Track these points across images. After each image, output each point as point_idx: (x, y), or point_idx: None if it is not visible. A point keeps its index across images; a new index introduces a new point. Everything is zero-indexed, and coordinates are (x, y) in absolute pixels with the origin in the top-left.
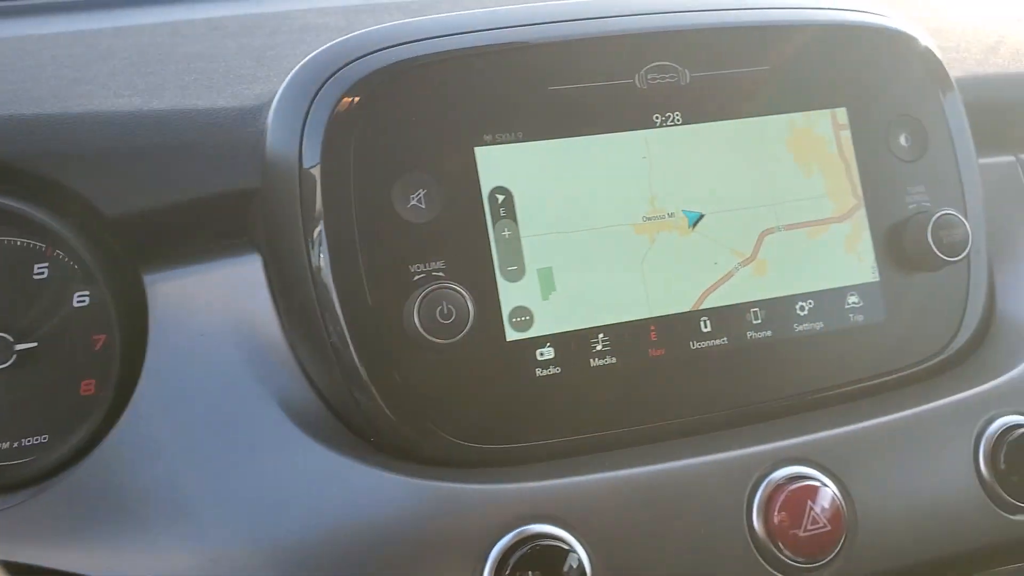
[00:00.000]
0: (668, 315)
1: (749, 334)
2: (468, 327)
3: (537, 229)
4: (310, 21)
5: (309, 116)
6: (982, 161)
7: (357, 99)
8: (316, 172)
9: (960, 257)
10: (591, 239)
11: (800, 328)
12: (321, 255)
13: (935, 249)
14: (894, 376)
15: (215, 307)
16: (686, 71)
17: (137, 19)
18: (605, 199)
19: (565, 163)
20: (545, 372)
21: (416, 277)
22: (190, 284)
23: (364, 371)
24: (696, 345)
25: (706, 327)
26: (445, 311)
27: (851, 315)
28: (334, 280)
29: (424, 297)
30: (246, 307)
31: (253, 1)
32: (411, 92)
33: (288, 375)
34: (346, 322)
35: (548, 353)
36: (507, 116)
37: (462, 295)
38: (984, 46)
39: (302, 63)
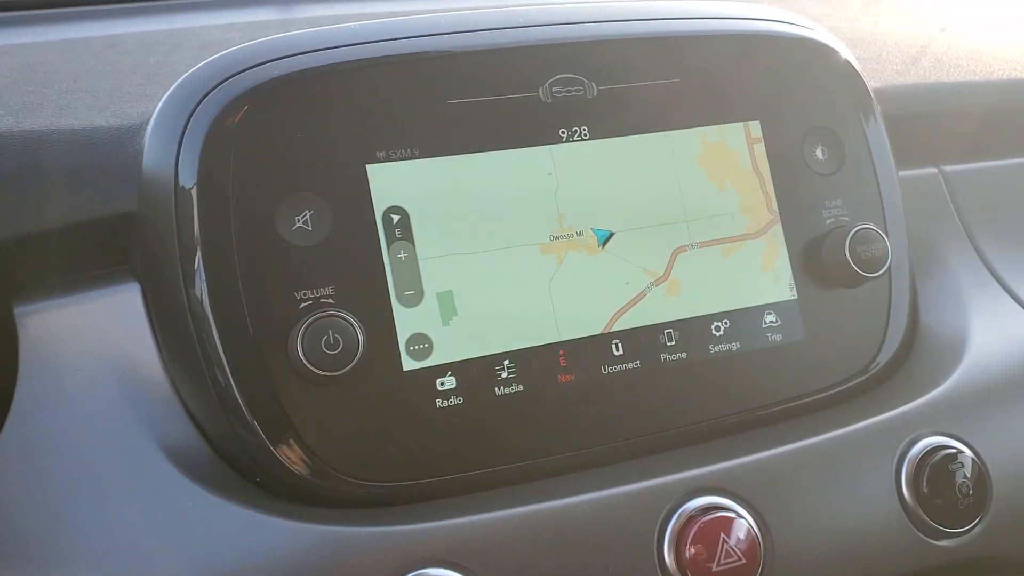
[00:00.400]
0: (578, 339)
1: (663, 357)
2: (358, 357)
3: (436, 251)
4: (213, 38)
5: (185, 135)
6: (904, 173)
7: (236, 116)
8: (193, 194)
9: (880, 273)
10: (495, 260)
11: (716, 349)
12: (199, 283)
13: (853, 265)
14: (814, 398)
15: (92, 340)
16: (592, 84)
17: (31, 37)
18: (509, 218)
19: (466, 180)
20: (446, 403)
21: (303, 304)
22: (65, 316)
23: (246, 407)
24: (607, 370)
25: (618, 350)
26: (331, 340)
27: (769, 335)
28: (212, 309)
29: (308, 326)
30: (124, 340)
31: (162, 18)
32: (296, 107)
33: (169, 412)
34: (226, 354)
35: (449, 382)
36: (402, 131)
37: (350, 323)
38: (905, 56)
39: (180, 79)
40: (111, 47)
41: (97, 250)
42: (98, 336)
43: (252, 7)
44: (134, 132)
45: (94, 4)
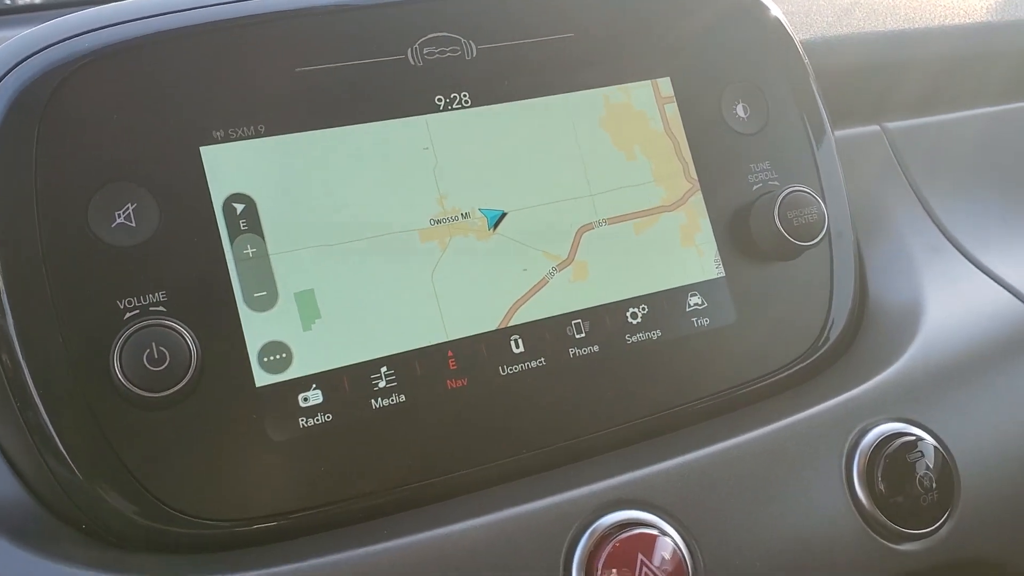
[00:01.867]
0: (469, 337)
1: (571, 351)
2: (191, 373)
3: (292, 244)
4: None
5: None
6: (844, 132)
7: (34, 102)
8: None
9: (816, 241)
10: (365, 251)
11: (633, 339)
12: (0, 298)
13: (785, 233)
14: (751, 388)
15: None
16: (471, 43)
17: None
18: (380, 202)
19: (324, 160)
20: (312, 421)
21: (128, 315)
22: None
23: (61, 440)
24: (506, 371)
25: (517, 347)
26: (155, 355)
27: (694, 319)
28: (17, 330)
29: (127, 339)
30: None
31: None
32: (108, 87)
33: None
34: (35, 382)
35: (314, 397)
36: (242, 106)
37: (179, 333)
38: (837, 8)
39: None
40: None
41: None
42: None
43: None
44: None
45: None
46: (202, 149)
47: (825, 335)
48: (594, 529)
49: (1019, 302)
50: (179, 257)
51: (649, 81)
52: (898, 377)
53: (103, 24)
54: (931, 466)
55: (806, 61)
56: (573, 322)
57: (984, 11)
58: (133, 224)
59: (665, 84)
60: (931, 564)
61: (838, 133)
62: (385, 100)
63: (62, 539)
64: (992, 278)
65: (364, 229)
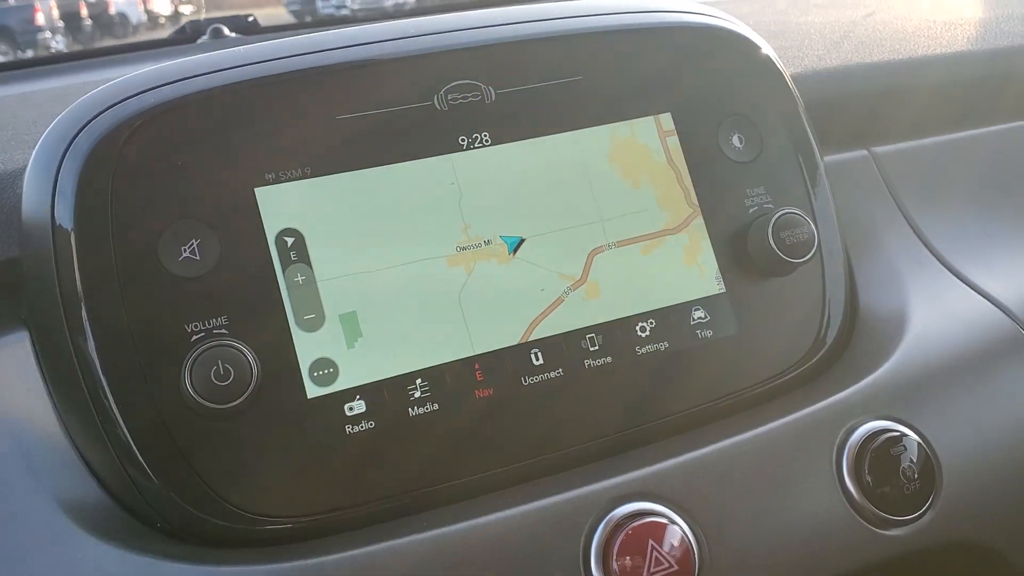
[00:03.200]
0: (494, 351)
1: (587, 362)
2: (251, 387)
3: (336, 271)
4: None
5: (60, 173)
6: (834, 157)
7: (111, 150)
8: (71, 233)
9: (807, 258)
10: (399, 276)
11: (643, 351)
12: (83, 326)
13: (778, 251)
14: (752, 393)
15: None
16: (490, 88)
17: None
18: (412, 232)
19: (362, 197)
20: (357, 428)
21: (195, 337)
22: None
23: (139, 450)
24: (528, 380)
25: (538, 360)
26: (221, 371)
27: (699, 331)
28: (99, 353)
29: (196, 359)
30: (15, 391)
31: (79, 75)
32: (172, 136)
33: (65, 464)
34: (116, 398)
35: (358, 407)
36: (290, 152)
37: (241, 352)
38: (827, 42)
39: (57, 118)
40: (22, 102)
41: None
42: None
43: (189, 55)
44: (16, 176)
45: (16, 68)
46: (256, 190)
47: (819, 344)
48: (609, 519)
49: (997, 310)
50: (238, 285)
51: (652, 117)
52: (884, 380)
53: (164, 82)
54: (914, 459)
55: (796, 93)
56: (587, 336)
57: (965, 41)
58: (197, 257)
59: (666, 119)
60: (917, 547)
61: (829, 157)
62: (415, 142)
63: (141, 536)
64: (972, 288)
65: (398, 256)
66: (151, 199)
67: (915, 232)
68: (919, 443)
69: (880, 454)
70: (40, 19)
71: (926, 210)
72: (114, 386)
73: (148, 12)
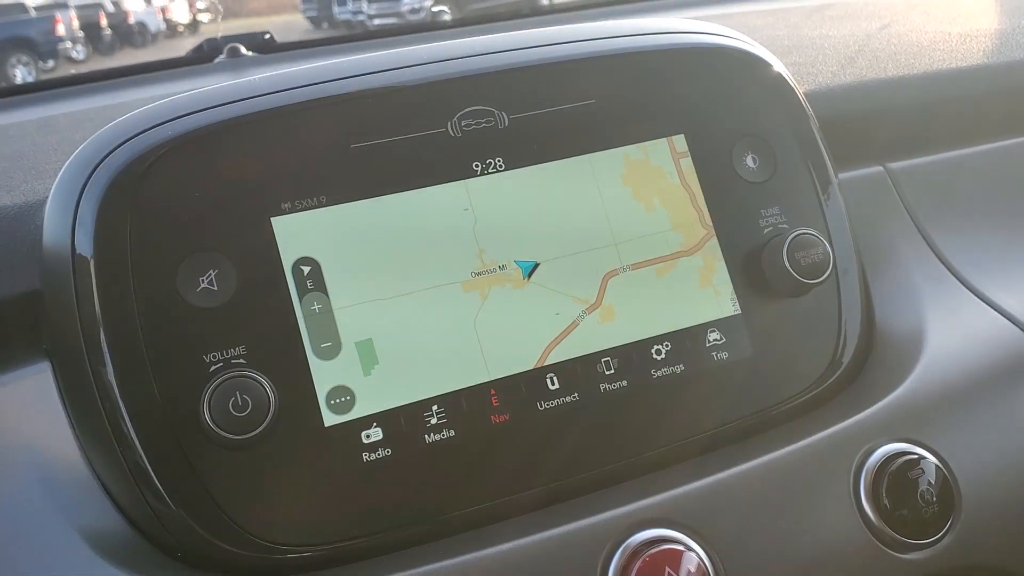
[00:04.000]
0: (509, 376)
1: (602, 387)
2: (269, 417)
3: (352, 299)
4: None
5: (80, 205)
6: (848, 174)
7: (129, 182)
8: (90, 264)
9: (823, 278)
10: (415, 303)
11: (658, 374)
12: (103, 356)
13: (793, 272)
14: (768, 415)
15: (4, 425)
16: (503, 114)
17: None
18: (426, 258)
19: (377, 224)
20: (373, 456)
21: (213, 367)
22: None
23: (159, 479)
24: (544, 405)
25: (553, 384)
26: (239, 402)
27: (714, 353)
28: (119, 382)
29: (214, 389)
30: (37, 421)
31: (99, 96)
32: (189, 168)
33: (86, 493)
34: (135, 428)
35: (375, 434)
36: (306, 181)
37: (259, 382)
38: (842, 57)
39: (77, 150)
40: (43, 127)
41: (10, 331)
42: (12, 419)
43: (205, 75)
44: (37, 208)
45: (34, 91)
46: (273, 220)
47: (835, 365)
48: (626, 546)
49: (1017, 329)
50: (255, 315)
51: (665, 139)
52: (901, 401)
53: (180, 113)
54: (932, 482)
55: (810, 112)
56: (603, 360)
57: (981, 53)
58: (215, 288)
59: (680, 141)
60: (936, 571)
61: (844, 175)
62: (429, 168)
63: (161, 566)
64: (991, 306)
65: (414, 283)
66: (169, 230)
67: (932, 249)
68: (937, 465)
69: (898, 477)
70: (61, 30)
71: (943, 226)
72: (134, 416)
73: (167, 21)
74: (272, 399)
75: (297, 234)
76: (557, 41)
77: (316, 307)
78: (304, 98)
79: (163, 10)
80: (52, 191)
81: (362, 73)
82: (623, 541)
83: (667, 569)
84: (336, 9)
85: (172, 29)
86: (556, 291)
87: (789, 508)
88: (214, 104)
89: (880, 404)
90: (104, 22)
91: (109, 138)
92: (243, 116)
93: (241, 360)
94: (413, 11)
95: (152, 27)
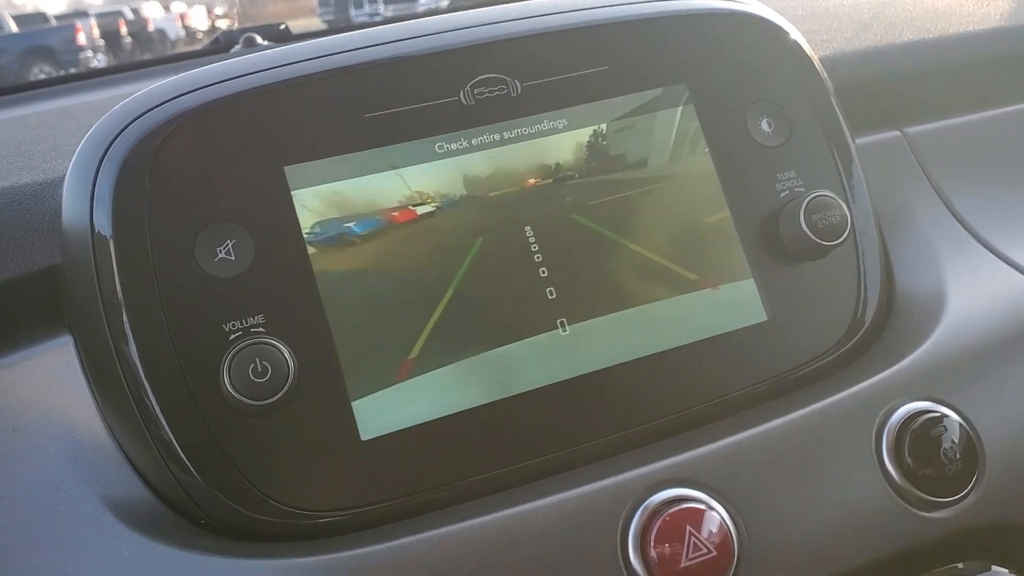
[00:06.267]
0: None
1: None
2: (289, 383)
3: None
4: None
5: (98, 179)
6: (866, 139)
7: (145, 154)
8: (109, 237)
9: (840, 240)
10: None
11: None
12: (124, 328)
13: (811, 234)
14: (789, 377)
15: (29, 398)
16: (516, 82)
17: None
18: None
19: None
20: None
21: (232, 336)
22: (1, 378)
23: (181, 447)
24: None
25: None
26: (258, 368)
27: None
28: (140, 354)
29: (234, 357)
30: (61, 395)
31: (118, 87)
32: (205, 140)
33: (111, 464)
34: (157, 398)
35: None
36: (321, 150)
37: (278, 348)
38: (856, 24)
39: (92, 128)
40: (62, 115)
41: (33, 307)
42: (36, 393)
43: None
44: (56, 184)
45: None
46: (292, 190)
47: (856, 325)
48: (646, 506)
49: None
50: (273, 284)
51: (679, 106)
52: (922, 360)
53: (194, 87)
54: (955, 440)
55: (825, 76)
56: None
57: (998, 16)
58: (233, 258)
59: (694, 105)
60: (961, 528)
61: (861, 139)
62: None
63: (186, 533)
64: (1012, 266)
65: None
66: (186, 202)
67: (951, 211)
68: (960, 423)
69: (920, 435)
70: (81, 38)
71: (961, 189)
72: (156, 386)
73: (186, 28)
74: (291, 365)
75: (315, 203)
76: (569, 8)
77: None
78: (318, 69)
79: (182, 16)
80: (70, 167)
81: (375, 44)
82: (643, 501)
83: (688, 527)
84: (353, 12)
85: (191, 36)
86: None
87: (811, 467)
88: (227, 78)
89: (901, 364)
90: (124, 30)
91: (125, 113)
92: (256, 88)
93: (260, 328)
94: (429, 11)
95: (171, 34)
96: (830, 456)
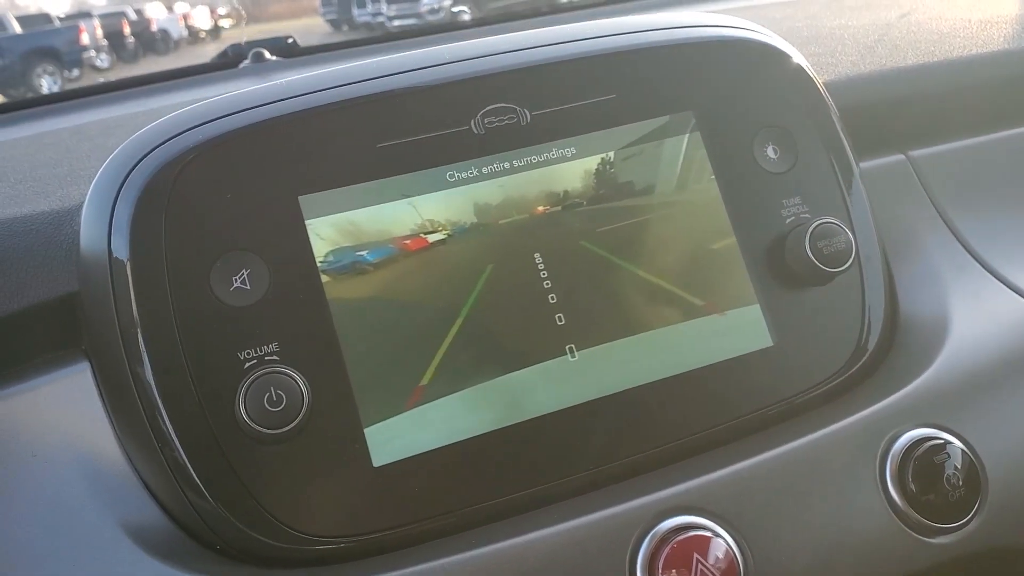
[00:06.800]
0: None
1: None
2: (303, 412)
3: None
4: None
5: (116, 207)
6: (871, 163)
7: (163, 184)
8: (127, 265)
9: (845, 266)
10: None
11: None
12: (140, 355)
13: (815, 261)
14: (793, 402)
15: (47, 424)
16: (525, 111)
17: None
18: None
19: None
20: None
21: (248, 364)
22: (19, 404)
23: (196, 474)
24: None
25: None
26: (273, 397)
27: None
28: (156, 380)
29: (249, 385)
30: (79, 420)
31: (130, 103)
32: (222, 170)
33: (128, 489)
34: (173, 424)
35: None
36: (335, 180)
37: (292, 378)
38: (861, 47)
39: (110, 158)
40: (76, 135)
41: (50, 334)
42: (54, 419)
43: (231, 80)
44: (73, 213)
45: (64, 100)
46: (306, 221)
47: (859, 351)
48: (654, 533)
49: None
50: (288, 312)
51: (686, 134)
52: (926, 387)
53: (211, 118)
54: (958, 466)
55: (830, 102)
56: None
57: (1002, 39)
58: (248, 287)
59: (699, 135)
60: (963, 554)
61: (866, 163)
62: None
63: (200, 558)
64: (1016, 292)
65: None
66: (202, 232)
67: (955, 236)
68: (963, 450)
69: (924, 462)
70: (85, 39)
71: (966, 213)
72: (171, 412)
73: (189, 28)
74: (305, 393)
75: (329, 233)
76: (577, 37)
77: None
78: (332, 100)
79: (185, 17)
80: (88, 196)
81: (386, 74)
82: (651, 528)
83: (695, 555)
84: (356, 11)
85: (194, 35)
86: None
87: (815, 494)
88: (243, 108)
89: (905, 390)
90: (127, 30)
91: (142, 143)
92: (271, 119)
93: (275, 357)
94: (432, 11)
95: (174, 34)
96: (834, 483)
